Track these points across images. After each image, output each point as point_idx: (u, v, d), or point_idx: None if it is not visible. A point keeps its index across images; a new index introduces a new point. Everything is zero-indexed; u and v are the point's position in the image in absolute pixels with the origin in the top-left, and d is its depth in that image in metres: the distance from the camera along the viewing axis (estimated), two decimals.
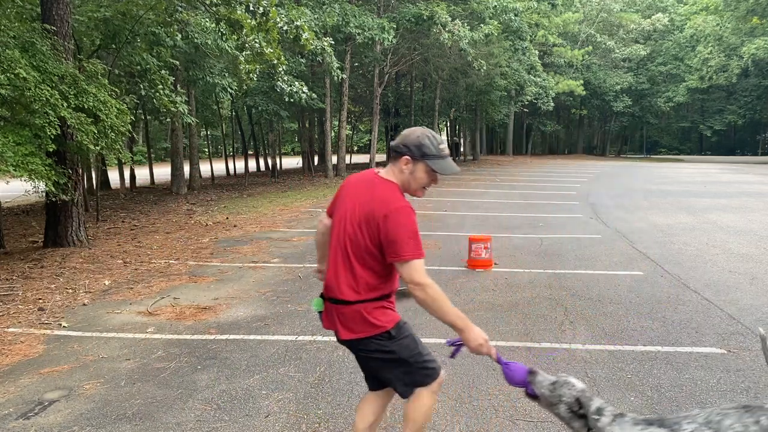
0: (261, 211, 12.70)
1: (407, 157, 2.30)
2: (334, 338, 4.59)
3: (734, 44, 41.29)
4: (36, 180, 6.94)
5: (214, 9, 10.17)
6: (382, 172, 2.38)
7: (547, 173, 25.31)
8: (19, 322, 5.06)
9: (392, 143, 2.41)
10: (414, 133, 2.33)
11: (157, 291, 6.08)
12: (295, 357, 4.18)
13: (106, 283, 6.42)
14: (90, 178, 16.06)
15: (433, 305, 2.23)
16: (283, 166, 28.57)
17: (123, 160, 15.14)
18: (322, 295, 2.47)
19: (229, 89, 15.83)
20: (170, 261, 7.57)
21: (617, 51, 44.44)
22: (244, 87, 14.49)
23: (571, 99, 43.41)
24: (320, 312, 2.51)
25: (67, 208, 8.35)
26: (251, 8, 9.87)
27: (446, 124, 46.94)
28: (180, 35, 11.96)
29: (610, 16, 44.58)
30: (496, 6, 23.18)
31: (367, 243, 2.26)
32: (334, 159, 23.44)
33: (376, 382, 2.57)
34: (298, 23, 11.06)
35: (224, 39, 11.90)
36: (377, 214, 2.22)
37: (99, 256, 7.79)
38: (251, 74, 11.07)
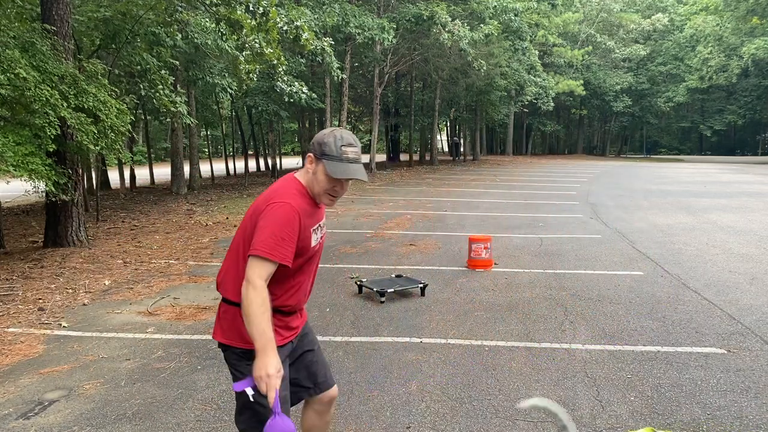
0: None
1: (311, 154, 2.14)
2: (334, 338, 4.62)
3: (734, 44, 41.28)
4: (36, 180, 6.94)
5: (214, 9, 10.17)
6: (297, 173, 2.22)
7: (547, 173, 25.32)
8: (19, 322, 5.06)
9: None
10: (325, 131, 2.18)
11: (157, 291, 6.08)
12: None
13: (106, 283, 6.42)
14: (90, 178, 16.05)
15: (246, 308, 1.92)
16: (283, 166, 28.57)
17: (123, 160, 15.12)
18: None
19: (229, 89, 15.83)
20: (170, 261, 7.57)
21: (617, 51, 44.42)
22: (244, 87, 14.48)
23: (571, 99, 43.40)
24: None
25: (67, 208, 8.35)
26: (251, 8, 9.87)
27: (446, 124, 46.97)
28: (180, 35, 11.95)
29: (610, 16, 44.56)
30: (496, 6, 23.18)
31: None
32: None
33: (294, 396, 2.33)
34: (298, 23, 11.07)
35: (224, 39, 11.89)
36: (260, 208, 2.05)
37: (99, 256, 7.79)
38: (251, 74, 11.07)
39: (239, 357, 2.12)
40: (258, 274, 1.94)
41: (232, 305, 2.10)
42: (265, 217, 2.01)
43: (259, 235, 1.98)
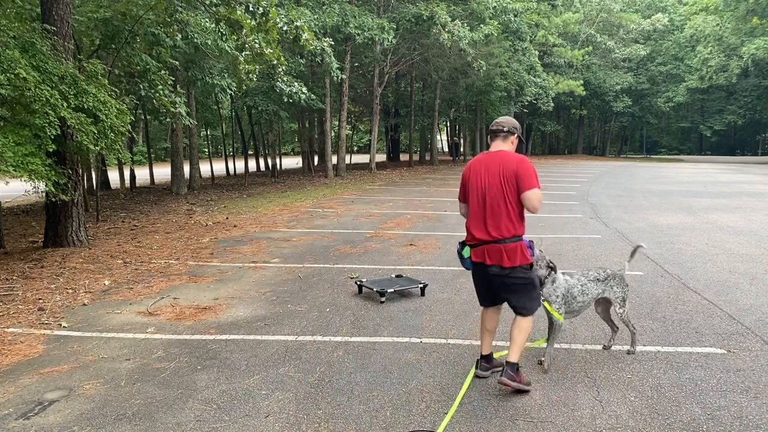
0: (261, 211, 12.71)
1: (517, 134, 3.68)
2: (334, 338, 4.62)
3: (734, 44, 41.27)
4: (36, 180, 6.93)
5: (214, 9, 10.17)
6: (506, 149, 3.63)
7: (547, 173, 25.31)
8: (19, 322, 5.06)
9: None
10: (511, 119, 3.68)
11: (157, 291, 6.08)
12: (295, 357, 4.18)
13: (106, 283, 6.42)
14: (90, 178, 16.05)
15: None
16: (283, 166, 28.58)
17: (123, 161, 15.13)
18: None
19: (228, 89, 15.83)
20: (170, 261, 7.57)
21: (617, 51, 44.41)
22: (244, 87, 14.49)
23: (571, 99, 43.39)
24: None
25: (67, 208, 8.35)
26: (251, 8, 9.87)
27: (446, 124, 46.93)
28: (180, 35, 11.95)
29: (610, 16, 44.55)
30: (495, 6, 23.18)
31: None
32: (334, 159, 23.44)
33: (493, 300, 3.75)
34: (298, 23, 11.06)
35: (224, 39, 11.89)
36: (511, 168, 3.50)
37: (99, 256, 7.79)
38: (251, 74, 11.07)
39: (525, 269, 3.53)
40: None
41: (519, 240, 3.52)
42: (527, 169, 3.45)
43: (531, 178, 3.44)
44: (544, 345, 4.04)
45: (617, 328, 4.32)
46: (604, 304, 4.22)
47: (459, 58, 23.45)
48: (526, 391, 3.53)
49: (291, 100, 14.99)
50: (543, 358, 3.93)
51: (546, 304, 3.85)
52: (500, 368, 3.79)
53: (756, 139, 58.86)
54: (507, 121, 3.63)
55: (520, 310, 3.58)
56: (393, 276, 6.22)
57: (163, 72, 11.59)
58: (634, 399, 3.46)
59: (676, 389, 3.58)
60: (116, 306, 5.54)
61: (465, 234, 3.70)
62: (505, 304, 3.77)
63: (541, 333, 4.62)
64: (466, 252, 3.62)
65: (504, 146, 3.60)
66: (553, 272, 3.85)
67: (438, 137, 40.55)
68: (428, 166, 30.99)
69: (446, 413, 3.28)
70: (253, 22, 10.01)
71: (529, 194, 3.39)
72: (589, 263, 7.20)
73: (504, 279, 3.52)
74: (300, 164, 28.78)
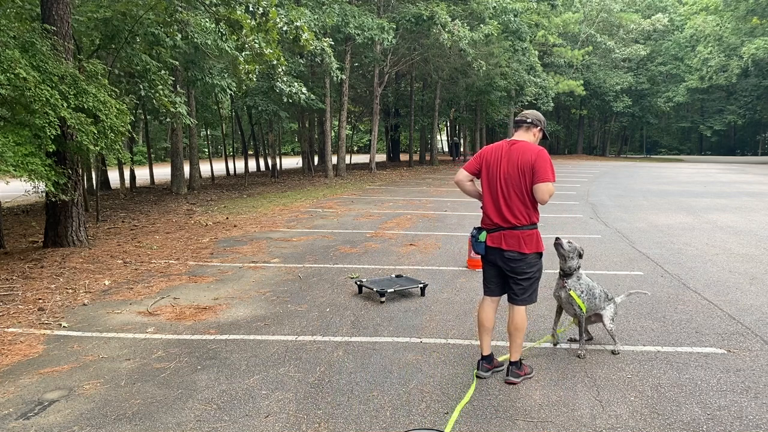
0: (261, 211, 12.70)
1: (539, 127, 3.82)
2: (334, 338, 4.62)
3: (734, 44, 41.25)
4: (36, 180, 6.93)
5: (213, 9, 10.17)
6: (527, 140, 3.76)
7: None
8: (19, 322, 5.06)
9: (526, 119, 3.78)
10: (536, 112, 3.81)
11: (157, 291, 6.08)
12: (295, 357, 4.18)
13: (106, 283, 6.42)
14: (90, 178, 16.05)
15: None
16: (283, 166, 28.58)
17: (123, 161, 15.12)
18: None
19: (228, 89, 15.84)
20: (170, 261, 7.57)
21: (617, 51, 44.39)
22: (244, 87, 14.49)
23: (571, 99, 43.38)
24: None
25: (67, 208, 8.35)
26: (251, 8, 9.87)
27: (446, 124, 46.93)
28: (180, 35, 11.95)
29: (610, 16, 44.53)
30: (495, 6, 23.18)
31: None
32: (334, 159, 23.44)
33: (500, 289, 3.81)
34: (298, 24, 11.05)
35: (224, 39, 11.89)
36: (529, 160, 3.66)
37: (99, 256, 7.79)
38: (251, 74, 11.07)
39: (538, 256, 3.72)
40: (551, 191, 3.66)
41: (535, 228, 3.72)
42: (544, 161, 3.63)
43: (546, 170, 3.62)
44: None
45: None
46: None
47: (459, 58, 23.45)
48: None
49: (291, 100, 14.99)
50: (580, 352, 4.15)
51: (572, 294, 4.09)
52: (500, 368, 3.81)
53: (756, 139, 58.88)
54: (532, 113, 3.81)
55: (519, 301, 3.68)
56: (393, 276, 6.22)
57: (163, 72, 11.59)
58: (634, 399, 3.46)
59: (676, 389, 3.58)
60: (116, 306, 5.54)
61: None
62: (503, 302, 3.78)
63: (540, 333, 4.63)
64: (483, 236, 3.79)
65: (526, 136, 3.75)
66: (580, 259, 4.15)
67: (438, 137, 40.55)
68: (428, 166, 30.99)
69: (446, 413, 3.29)
70: (253, 22, 10.01)
71: (541, 186, 3.58)
72: (589, 263, 7.20)
73: (518, 264, 3.63)
74: (300, 164, 28.78)
